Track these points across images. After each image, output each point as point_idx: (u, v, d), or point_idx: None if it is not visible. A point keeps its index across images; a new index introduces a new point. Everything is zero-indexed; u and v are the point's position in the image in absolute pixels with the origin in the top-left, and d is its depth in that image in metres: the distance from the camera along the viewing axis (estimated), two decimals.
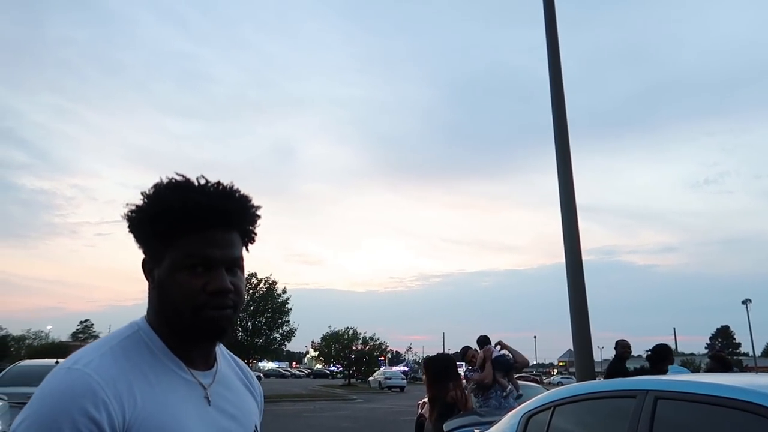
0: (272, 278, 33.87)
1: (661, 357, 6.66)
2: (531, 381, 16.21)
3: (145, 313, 1.04)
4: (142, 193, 1.01)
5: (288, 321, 33.63)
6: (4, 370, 9.51)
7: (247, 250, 1.06)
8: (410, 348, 78.20)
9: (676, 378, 2.94)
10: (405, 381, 42.83)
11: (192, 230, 0.97)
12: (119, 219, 1.03)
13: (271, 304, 32.88)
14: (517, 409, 3.68)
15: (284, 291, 33.92)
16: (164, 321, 1.00)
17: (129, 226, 1.02)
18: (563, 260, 6.98)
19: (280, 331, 33.51)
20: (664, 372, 6.35)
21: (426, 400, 8.42)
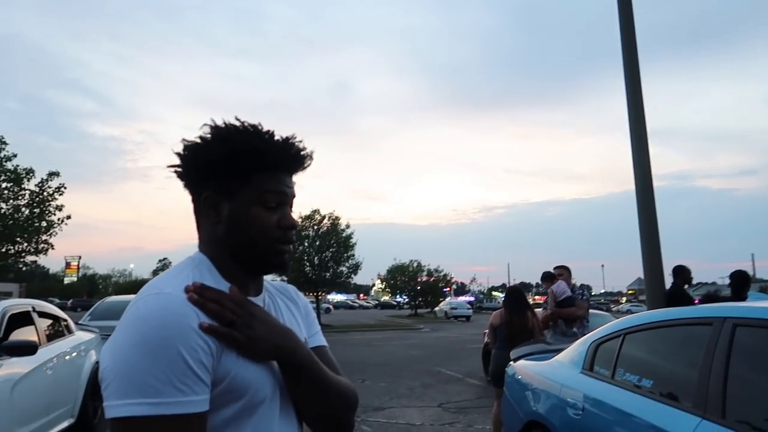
0: (335, 214, 34.51)
1: (740, 283, 6.40)
2: (599, 310, 16.06)
3: (196, 249, 1.10)
4: (210, 129, 1.05)
5: (353, 255, 34.39)
6: (94, 306, 10.31)
7: None
8: (474, 279, 78.71)
9: (757, 305, 2.81)
10: (470, 311, 43.50)
11: (268, 170, 1.06)
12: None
13: (335, 239, 33.63)
14: (585, 337, 3.66)
15: (348, 226, 34.55)
16: (231, 252, 1.06)
17: (187, 163, 1.06)
18: (633, 187, 6.71)
19: (346, 264, 34.39)
20: (744, 299, 6.12)
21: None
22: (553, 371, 3.66)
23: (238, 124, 1.06)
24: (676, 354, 2.81)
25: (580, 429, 3.00)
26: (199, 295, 0.93)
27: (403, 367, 12.21)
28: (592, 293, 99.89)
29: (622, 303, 72.18)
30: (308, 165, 1.13)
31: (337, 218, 34.35)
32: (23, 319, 5.26)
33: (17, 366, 4.61)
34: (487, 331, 10.75)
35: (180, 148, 1.06)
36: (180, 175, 1.08)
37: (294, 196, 1.11)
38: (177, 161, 1.07)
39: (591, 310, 7.76)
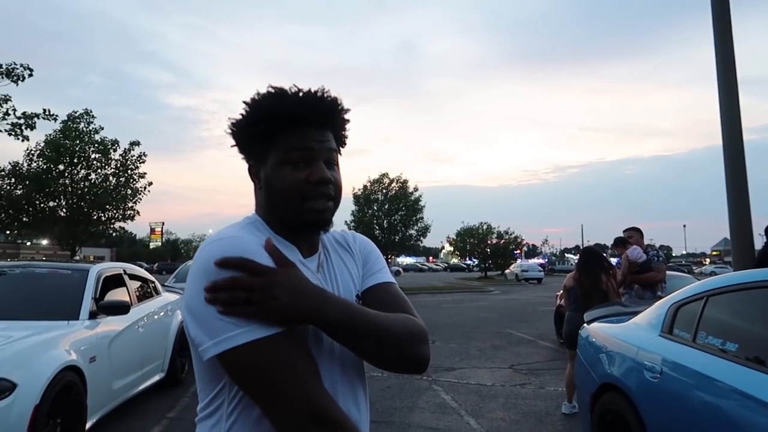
0: (404, 177, 34.54)
1: None
2: (680, 271, 15.36)
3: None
4: (243, 104, 1.09)
5: (422, 218, 34.49)
6: (178, 269, 10.92)
7: (339, 153, 1.14)
8: (546, 241, 76.96)
9: None
10: (542, 273, 42.77)
11: (290, 128, 1.06)
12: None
13: (404, 203, 33.77)
14: (665, 299, 3.52)
15: (416, 189, 34.56)
16: (273, 215, 1.09)
17: (233, 137, 1.12)
18: (720, 142, 6.28)
19: (415, 227, 34.55)
20: None
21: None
22: (629, 334, 3.57)
23: (272, 90, 1.07)
24: (765, 317, 2.66)
25: (658, 392, 2.93)
26: (221, 265, 0.93)
27: (473, 329, 12.26)
28: (673, 255, 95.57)
29: (705, 264, 68.71)
30: (341, 116, 1.12)
31: (405, 181, 34.44)
32: (116, 281, 5.66)
33: (113, 324, 4.99)
34: (559, 293, 10.60)
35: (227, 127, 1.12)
36: (236, 143, 1.14)
37: (329, 150, 1.08)
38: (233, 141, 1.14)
39: (670, 272, 7.45)
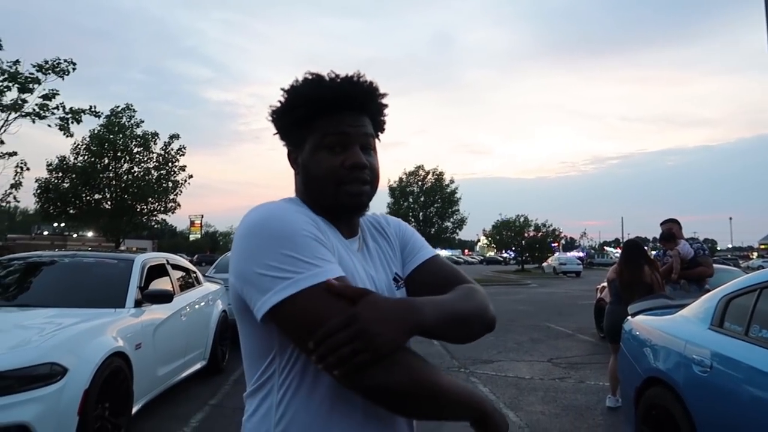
0: (439, 169, 34.38)
1: None
2: (726, 265, 14.89)
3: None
4: (281, 90, 1.11)
5: (458, 210, 34.31)
6: (218, 260, 11.14)
7: (378, 138, 1.15)
8: (585, 233, 75.69)
9: None
10: (581, 266, 42.06)
11: (327, 114, 1.07)
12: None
13: (440, 195, 33.64)
14: (714, 291, 3.40)
15: (452, 181, 34.37)
16: (312, 200, 1.10)
17: (273, 123, 1.14)
18: None
19: (451, 220, 34.40)
20: None
21: (605, 284, 8.23)
22: (676, 327, 3.46)
23: (310, 76, 1.08)
24: None
25: (708, 387, 2.84)
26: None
27: (510, 322, 12.13)
28: (718, 248, 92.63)
29: (752, 258, 66.32)
30: (377, 101, 1.12)
31: (441, 173, 34.31)
32: (160, 270, 5.80)
33: (157, 312, 5.11)
34: (599, 286, 10.39)
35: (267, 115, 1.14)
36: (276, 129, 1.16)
37: (365, 135, 1.09)
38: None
39: (717, 266, 7.22)
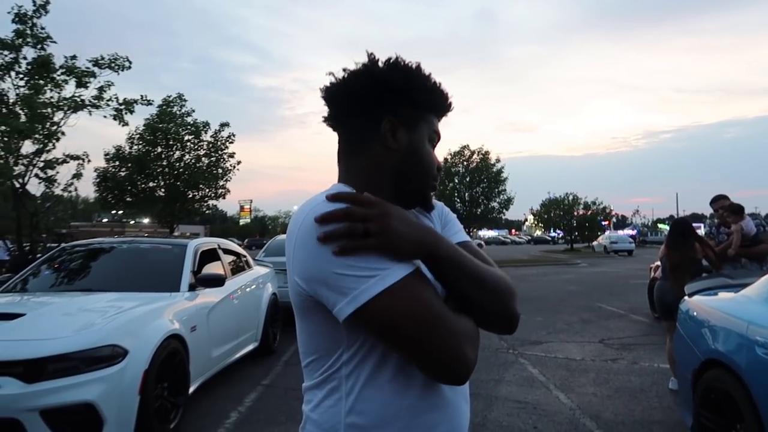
0: (485, 149, 33.87)
1: None
2: None
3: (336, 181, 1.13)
4: (396, 61, 1.07)
5: (504, 190, 33.76)
6: (267, 244, 11.35)
7: None
8: (637, 211, 73.38)
9: None
10: (633, 245, 40.86)
11: (438, 113, 1.14)
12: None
13: (486, 175, 33.16)
14: None
15: (498, 160, 33.81)
16: (397, 179, 1.08)
17: (376, 88, 1.06)
18: None
19: (497, 200, 33.90)
20: None
21: (658, 263, 7.97)
22: (737, 307, 3.32)
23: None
24: None
25: None
26: (333, 199, 0.95)
27: (560, 302, 11.94)
28: None
29: None
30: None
31: (486, 153, 33.78)
32: (212, 255, 5.96)
33: (210, 295, 5.27)
34: (653, 265, 10.08)
35: (363, 72, 1.07)
36: (352, 99, 1.08)
37: None
38: (344, 85, 1.08)
39: None
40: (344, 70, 1.09)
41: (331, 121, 1.14)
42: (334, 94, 1.10)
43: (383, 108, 1.07)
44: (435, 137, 1.14)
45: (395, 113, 1.07)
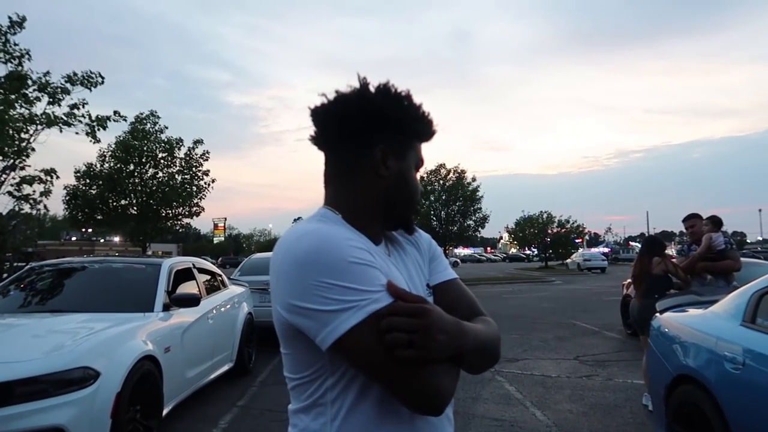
0: (460, 167, 34.21)
1: None
2: (756, 258, 14.53)
3: (323, 204, 1.13)
4: (388, 87, 1.08)
5: (480, 208, 34.09)
6: (242, 262, 11.25)
7: None
8: (610, 229, 74.69)
9: None
10: (606, 262, 41.47)
11: (423, 139, 1.17)
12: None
13: (461, 193, 33.45)
14: (746, 287, 3.34)
15: (474, 179, 34.17)
16: (386, 206, 1.11)
17: (370, 115, 1.07)
18: None
19: (473, 218, 34.19)
20: None
21: (630, 280, 8.13)
22: (706, 323, 3.41)
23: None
24: None
25: (740, 384, 2.79)
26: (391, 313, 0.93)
27: (535, 320, 12.04)
28: (747, 241, 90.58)
29: None
30: None
31: (462, 171, 34.09)
32: (186, 274, 5.88)
33: (185, 315, 5.19)
34: (625, 282, 10.26)
35: (356, 97, 1.07)
36: (343, 123, 1.08)
37: None
38: (335, 108, 1.08)
39: (745, 260, 7.07)
40: (336, 92, 1.08)
41: (318, 142, 1.14)
42: (324, 116, 1.10)
43: (375, 135, 1.08)
44: (420, 163, 1.17)
45: (386, 141, 1.09)
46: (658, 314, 4.17)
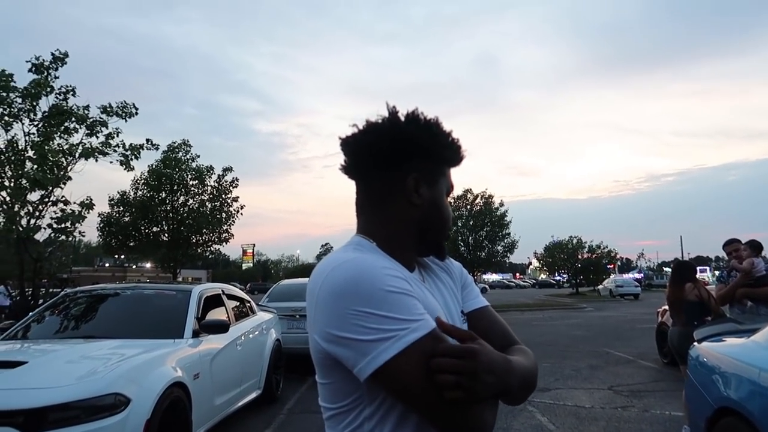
0: (488, 192, 34.07)
1: None
2: None
3: (356, 232, 1.14)
4: (417, 116, 1.09)
5: (508, 233, 33.79)
6: (271, 288, 11.29)
7: None
8: (642, 254, 73.08)
9: None
10: (639, 288, 40.50)
11: (453, 166, 1.18)
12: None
13: (489, 218, 33.25)
14: None
15: (501, 204, 33.96)
16: (419, 233, 1.12)
17: (401, 145, 1.08)
18: None
19: (502, 243, 33.88)
20: None
21: (666, 307, 7.89)
22: (748, 353, 3.28)
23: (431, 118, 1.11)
24: None
25: None
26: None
27: (566, 348, 11.76)
28: None
29: None
30: None
31: (490, 197, 33.96)
32: (216, 300, 5.93)
33: (214, 342, 5.22)
34: (660, 309, 9.97)
35: (386, 126, 1.08)
36: (374, 152, 1.09)
37: None
38: (367, 138, 1.09)
39: None
40: (366, 122, 1.10)
41: (350, 171, 1.15)
42: (355, 146, 1.11)
43: (406, 163, 1.09)
44: (450, 189, 1.18)
45: (417, 168, 1.10)
46: (696, 343, 4.03)
